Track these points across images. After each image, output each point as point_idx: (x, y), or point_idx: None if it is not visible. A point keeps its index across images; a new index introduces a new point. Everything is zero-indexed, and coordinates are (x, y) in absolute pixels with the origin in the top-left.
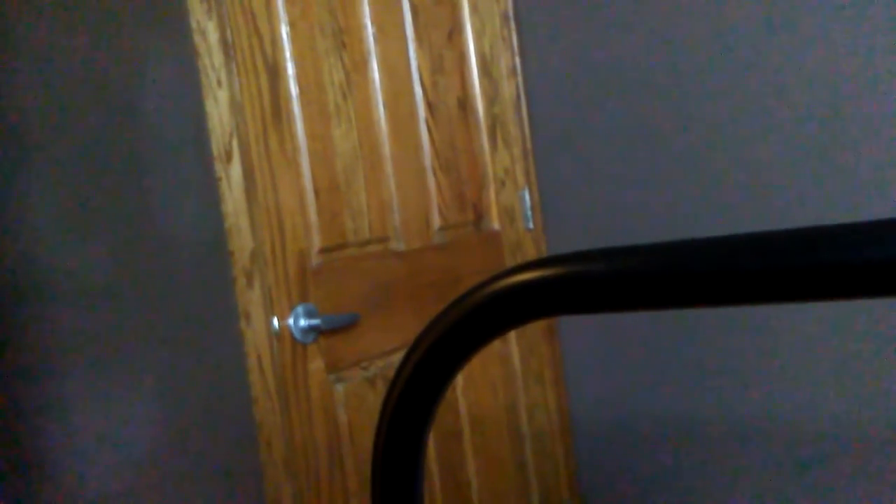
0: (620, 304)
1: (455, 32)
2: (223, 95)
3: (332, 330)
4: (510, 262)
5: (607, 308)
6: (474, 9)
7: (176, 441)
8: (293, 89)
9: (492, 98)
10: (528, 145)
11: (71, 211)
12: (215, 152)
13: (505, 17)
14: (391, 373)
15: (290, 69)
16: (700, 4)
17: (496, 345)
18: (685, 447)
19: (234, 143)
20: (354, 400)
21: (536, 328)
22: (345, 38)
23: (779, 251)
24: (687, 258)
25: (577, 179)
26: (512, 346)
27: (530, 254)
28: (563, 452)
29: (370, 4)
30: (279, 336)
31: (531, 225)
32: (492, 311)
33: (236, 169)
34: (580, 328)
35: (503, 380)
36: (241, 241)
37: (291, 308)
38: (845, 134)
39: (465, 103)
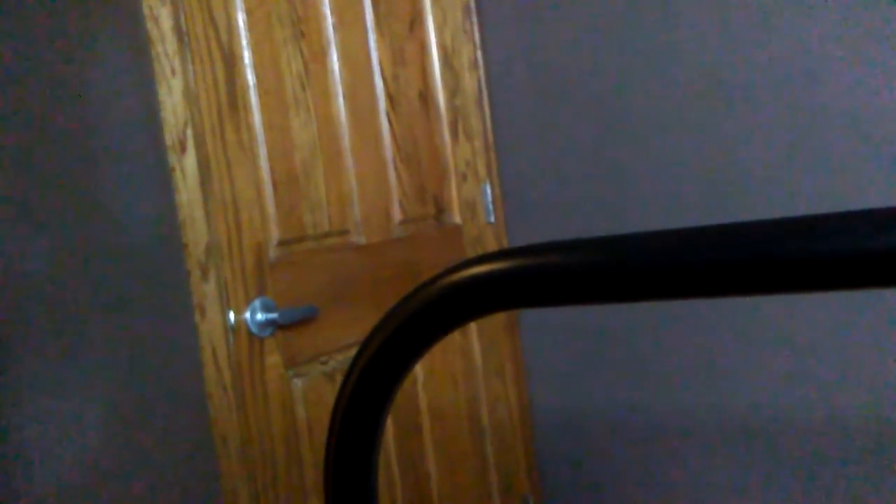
0: (576, 297)
1: (416, 24)
2: (177, 84)
3: (290, 324)
4: (471, 256)
5: (562, 301)
6: (436, 0)
7: (128, 436)
8: (250, 79)
9: (453, 90)
10: (490, 138)
11: (17, 201)
12: (169, 142)
13: (466, 9)
14: None
15: (247, 58)
16: None
17: (457, 338)
18: (644, 440)
19: (189, 132)
20: (313, 395)
21: (497, 322)
22: (303, 28)
23: (739, 243)
24: (644, 250)
25: (539, 173)
26: (473, 339)
27: (491, 248)
28: (523, 446)
29: None
30: (235, 330)
31: (492, 219)
32: (448, 304)
33: (191, 159)
34: (541, 322)
35: (464, 374)
36: (196, 233)
37: (248, 302)
38: (809, 131)
39: (426, 95)
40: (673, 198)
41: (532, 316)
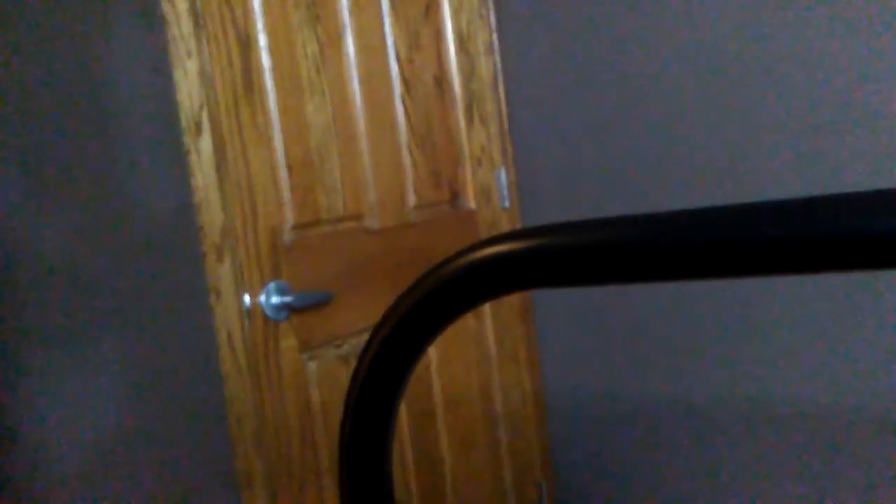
0: (589, 277)
1: (432, 8)
2: (193, 66)
3: (304, 307)
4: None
5: (573, 282)
6: None
7: (144, 418)
8: (265, 61)
9: (468, 75)
10: (505, 123)
11: (34, 183)
12: (184, 125)
13: None
14: None
15: (263, 41)
16: None
17: (471, 324)
18: (657, 428)
19: (204, 115)
20: (327, 378)
21: (511, 308)
22: (319, 11)
23: (753, 223)
24: (650, 229)
25: (555, 159)
26: (487, 325)
27: None
28: (536, 433)
29: None
30: (250, 313)
31: (507, 204)
32: (460, 286)
33: (206, 142)
34: (555, 309)
35: (477, 359)
36: (211, 215)
37: (263, 285)
38: (817, 118)
39: (441, 80)
40: (690, 184)
41: (546, 301)
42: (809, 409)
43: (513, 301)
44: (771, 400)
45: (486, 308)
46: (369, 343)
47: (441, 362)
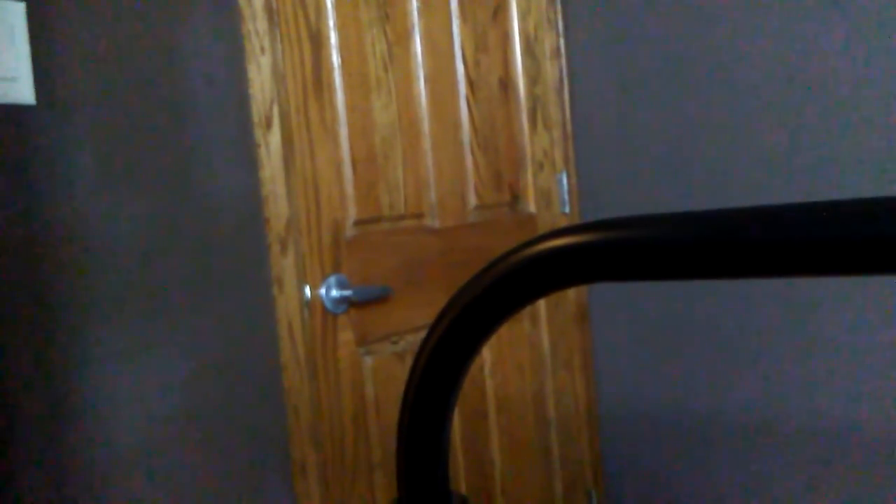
0: (652, 272)
1: (500, 11)
2: (266, 62)
3: (363, 302)
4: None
5: (640, 276)
6: None
7: (205, 401)
8: (335, 59)
9: (534, 79)
10: (569, 128)
11: (109, 170)
12: (255, 119)
13: None
14: None
15: (333, 38)
16: None
17: (526, 328)
18: (712, 441)
19: (275, 110)
20: (382, 373)
21: (567, 314)
22: (388, 10)
23: (827, 222)
24: (710, 226)
25: (617, 165)
26: (542, 330)
27: None
28: (588, 439)
29: None
30: (310, 305)
31: (567, 209)
32: (527, 276)
33: (275, 136)
34: (612, 316)
35: (531, 363)
36: (278, 208)
37: (324, 278)
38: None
39: (506, 83)
40: (755, 192)
41: (603, 309)
42: (872, 437)
43: (569, 307)
44: (831, 422)
45: (542, 313)
46: (432, 328)
47: (495, 364)
